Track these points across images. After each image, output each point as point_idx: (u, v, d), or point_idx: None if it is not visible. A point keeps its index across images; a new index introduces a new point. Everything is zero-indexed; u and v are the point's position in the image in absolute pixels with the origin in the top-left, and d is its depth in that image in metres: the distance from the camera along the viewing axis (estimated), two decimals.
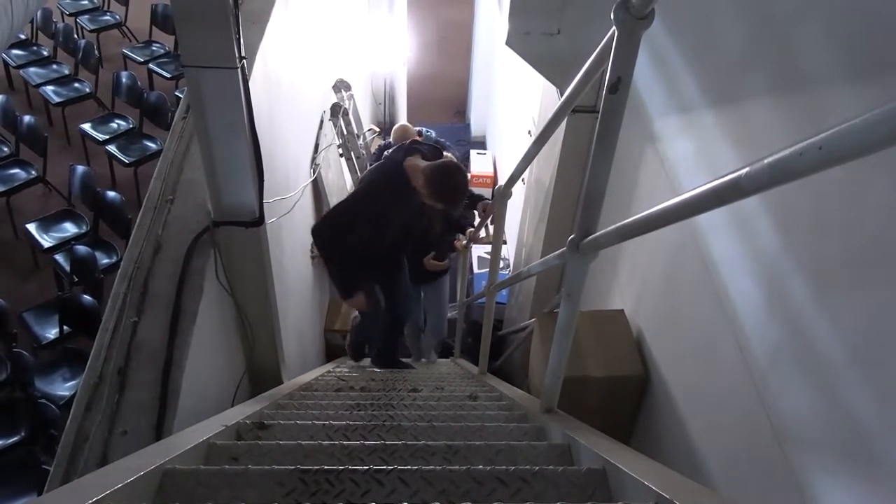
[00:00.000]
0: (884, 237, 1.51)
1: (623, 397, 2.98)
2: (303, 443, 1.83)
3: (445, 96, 11.36)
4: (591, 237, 1.65)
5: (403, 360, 4.71)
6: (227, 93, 2.36)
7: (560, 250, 1.85)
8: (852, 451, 1.59)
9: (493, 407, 2.70)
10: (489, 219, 3.80)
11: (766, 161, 0.85)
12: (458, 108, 11.46)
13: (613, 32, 1.46)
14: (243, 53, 2.33)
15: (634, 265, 3.22)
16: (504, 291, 6.24)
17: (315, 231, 3.41)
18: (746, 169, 0.90)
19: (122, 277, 2.59)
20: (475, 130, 10.84)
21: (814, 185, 1.71)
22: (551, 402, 2.11)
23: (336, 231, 3.38)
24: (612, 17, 1.42)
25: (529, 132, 5.55)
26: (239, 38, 2.28)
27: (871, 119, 0.67)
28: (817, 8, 1.83)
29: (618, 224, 1.44)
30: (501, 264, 6.07)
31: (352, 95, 6.38)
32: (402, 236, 3.88)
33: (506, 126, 8.32)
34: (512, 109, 7.32)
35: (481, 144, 10.48)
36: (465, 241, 4.84)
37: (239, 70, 2.31)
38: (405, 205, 3.47)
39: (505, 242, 6.61)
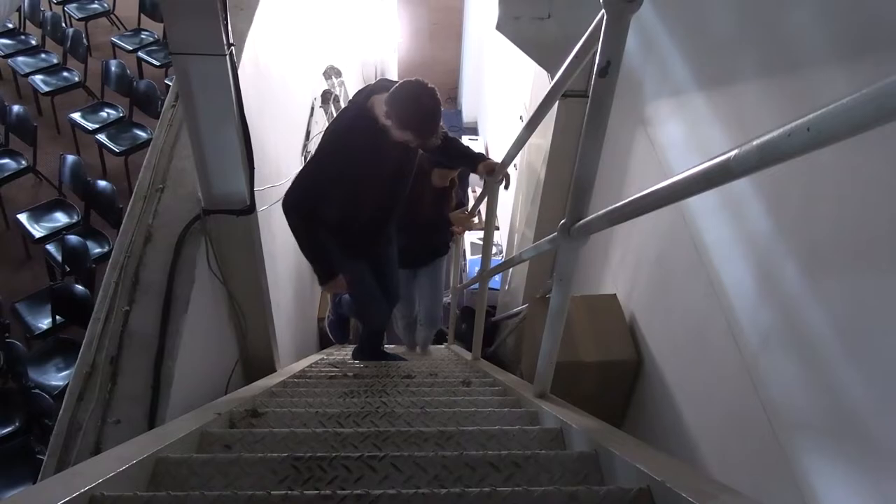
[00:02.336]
0: (874, 220, 1.51)
1: (616, 382, 2.99)
2: (296, 430, 1.83)
3: (437, 82, 11.12)
4: (581, 221, 1.65)
5: (390, 351, 4.24)
6: (216, 80, 2.34)
7: (551, 235, 1.85)
8: (844, 433, 1.60)
9: (486, 392, 2.71)
10: (502, 182, 3.23)
11: (754, 143, 0.84)
12: (449, 94, 11.44)
13: (602, 15, 1.45)
14: (231, 40, 2.31)
15: (627, 250, 3.22)
16: (497, 277, 6.25)
17: (285, 207, 2.87)
18: (735, 151, 0.90)
19: (113, 267, 2.58)
20: (467, 116, 10.83)
21: (805, 168, 1.71)
22: (544, 387, 2.12)
23: (307, 202, 2.86)
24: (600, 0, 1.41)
25: (521, 117, 5.54)
26: (227, 25, 2.26)
27: (859, 99, 0.67)
28: None
29: (608, 208, 1.44)
30: (494, 250, 6.08)
31: (343, 82, 6.36)
32: (388, 200, 3.21)
33: (497, 111, 8.31)
34: (503, 95, 7.30)
35: (473, 130, 10.48)
36: (463, 225, 4.24)
37: (227, 57, 2.30)
38: (380, 155, 2.87)
39: (497, 228, 6.61)
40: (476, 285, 3.78)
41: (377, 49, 8.87)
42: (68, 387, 2.24)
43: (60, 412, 2.14)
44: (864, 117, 0.68)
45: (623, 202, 1.34)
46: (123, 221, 2.76)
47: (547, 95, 2.13)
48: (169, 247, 2.62)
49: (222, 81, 2.35)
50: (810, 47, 1.83)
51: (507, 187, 3.29)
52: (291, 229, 2.92)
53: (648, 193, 1.21)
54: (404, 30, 9.79)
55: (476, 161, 3.31)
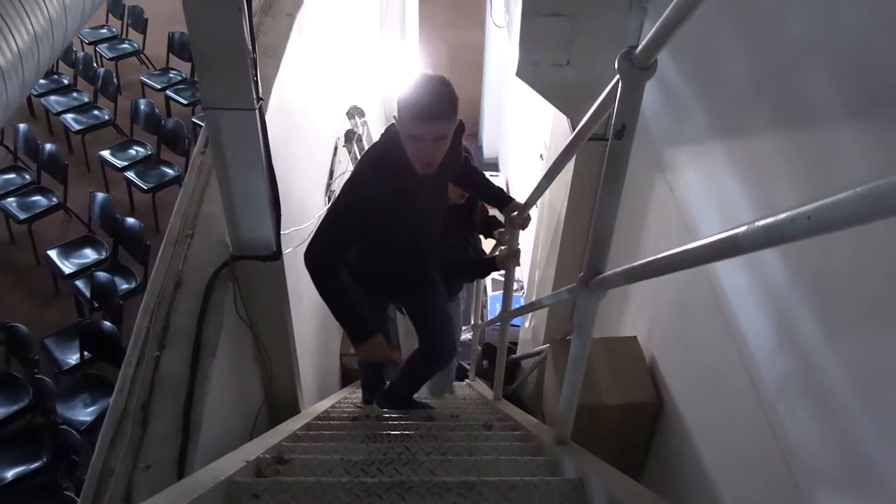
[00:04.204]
0: (890, 271, 1.53)
1: (637, 424, 3.00)
2: (322, 479, 1.87)
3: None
4: (599, 276, 1.70)
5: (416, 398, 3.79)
6: (246, 133, 2.42)
7: (570, 286, 1.89)
8: (861, 481, 1.61)
9: (507, 437, 2.73)
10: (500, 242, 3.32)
11: (759, 224, 0.89)
12: (470, 129, 11.52)
13: (618, 80, 1.50)
14: (261, 95, 2.40)
15: (646, 292, 3.24)
16: None
17: (307, 260, 2.50)
18: (742, 229, 0.94)
19: (144, 312, 2.64)
20: (487, 152, 10.90)
21: None
22: (564, 434, 2.14)
23: (330, 260, 2.50)
24: (616, 66, 1.46)
25: (541, 156, 5.60)
26: (257, 81, 2.34)
27: (854, 196, 0.72)
28: (822, 45, 1.87)
29: (626, 266, 1.49)
30: (515, 286, 6.11)
31: (365, 122, 6.45)
32: (424, 235, 2.83)
33: (518, 148, 8.37)
34: (524, 132, 7.37)
35: (494, 166, 10.55)
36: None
37: (257, 111, 2.38)
38: (411, 194, 2.50)
39: (518, 265, 6.64)
40: (497, 324, 3.81)
41: (399, 86, 8.98)
42: (101, 432, 2.29)
43: (93, 457, 2.19)
44: (861, 212, 0.72)
45: (640, 262, 1.39)
46: (154, 266, 2.83)
47: (566, 147, 2.19)
48: (198, 292, 2.68)
49: (251, 134, 2.43)
50: (825, 102, 1.87)
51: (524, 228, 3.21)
52: (316, 287, 2.55)
53: (664, 257, 1.26)
54: (425, 66, 9.93)
55: (500, 200, 3.08)
